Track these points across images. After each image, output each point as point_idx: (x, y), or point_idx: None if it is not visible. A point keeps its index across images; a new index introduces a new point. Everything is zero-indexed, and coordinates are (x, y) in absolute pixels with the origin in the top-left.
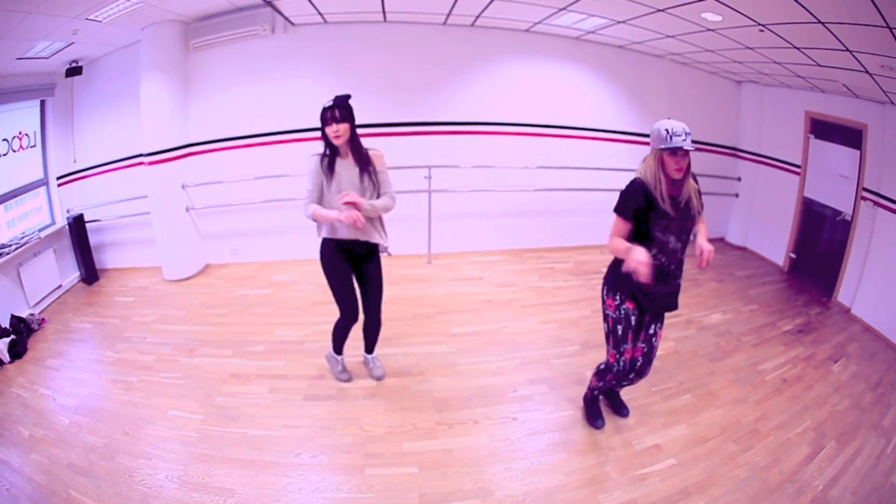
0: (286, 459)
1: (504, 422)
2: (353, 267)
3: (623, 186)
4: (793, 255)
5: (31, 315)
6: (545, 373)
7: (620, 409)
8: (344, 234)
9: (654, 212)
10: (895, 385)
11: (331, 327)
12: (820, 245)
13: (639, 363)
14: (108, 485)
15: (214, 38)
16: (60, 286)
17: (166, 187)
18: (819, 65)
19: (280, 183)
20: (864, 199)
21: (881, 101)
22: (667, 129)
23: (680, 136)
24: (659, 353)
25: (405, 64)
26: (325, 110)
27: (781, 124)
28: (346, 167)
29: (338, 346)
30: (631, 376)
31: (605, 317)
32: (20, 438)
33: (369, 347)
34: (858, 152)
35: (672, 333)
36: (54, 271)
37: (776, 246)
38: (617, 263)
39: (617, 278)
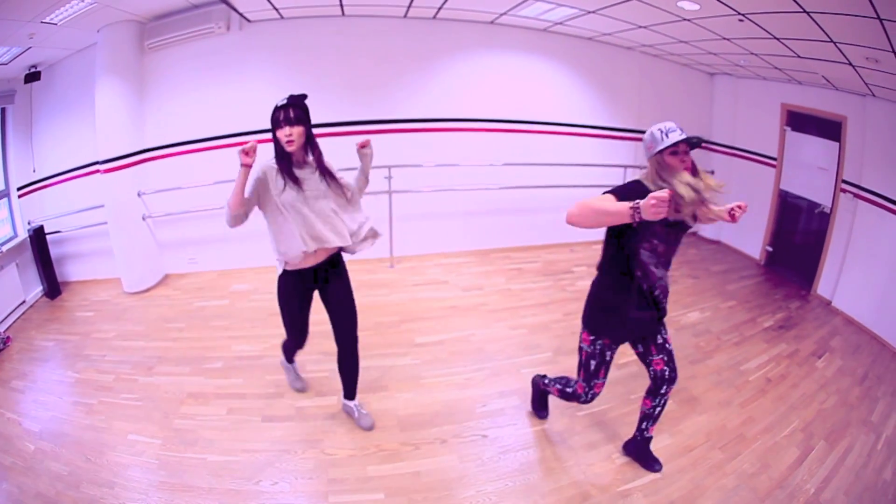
0: (246, 487)
1: (474, 440)
2: (312, 291)
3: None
4: (769, 249)
5: None
6: (516, 384)
7: (652, 465)
8: (311, 261)
9: (646, 227)
10: (882, 378)
11: None
12: (796, 237)
13: (667, 373)
14: None
15: (170, 38)
16: (24, 301)
17: (122, 196)
18: (799, 56)
19: None
20: (844, 191)
21: (862, 94)
22: (660, 129)
23: (675, 130)
24: (636, 357)
25: (364, 60)
26: (277, 110)
27: (756, 117)
28: (308, 176)
29: (288, 357)
30: (663, 390)
31: (580, 349)
32: None
33: (348, 392)
34: (837, 144)
35: None
36: (17, 287)
37: (752, 239)
38: (596, 300)
39: (594, 317)
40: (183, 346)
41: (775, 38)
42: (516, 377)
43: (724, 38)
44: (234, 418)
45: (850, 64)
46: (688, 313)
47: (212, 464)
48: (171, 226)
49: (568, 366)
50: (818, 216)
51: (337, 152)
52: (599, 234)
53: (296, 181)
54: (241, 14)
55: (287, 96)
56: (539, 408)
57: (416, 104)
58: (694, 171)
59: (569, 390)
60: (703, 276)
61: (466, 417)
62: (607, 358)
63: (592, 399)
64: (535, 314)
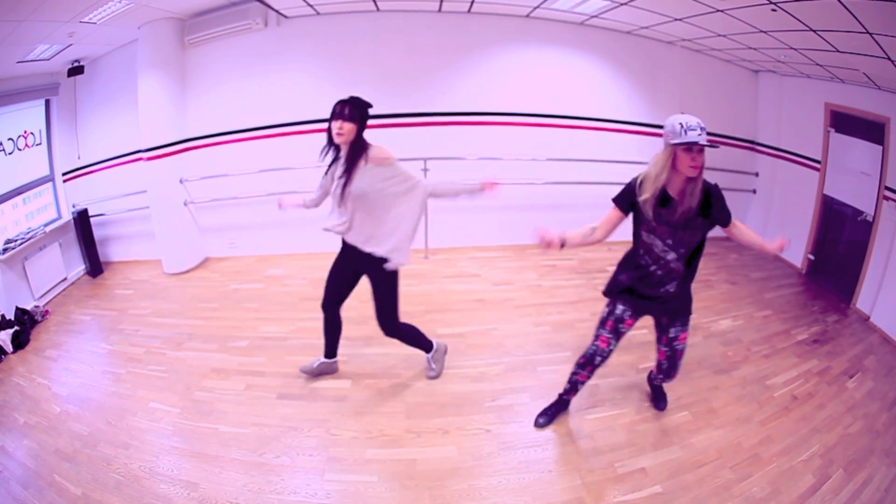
0: (250, 458)
1: (476, 434)
2: (355, 268)
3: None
4: (811, 257)
5: (36, 307)
6: (529, 381)
7: (659, 402)
8: (349, 238)
9: (641, 210)
10: None
11: (318, 324)
12: (840, 247)
13: (664, 366)
14: (88, 471)
15: (209, 34)
16: (66, 279)
17: (164, 182)
18: (838, 51)
19: (279, 176)
20: (887, 198)
21: None
22: (681, 124)
23: (695, 130)
24: None
25: (399, 54)
26: (337, 103)
27: (800, 117)
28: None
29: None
30: (660, 377)
31: None
32: (16, 424)
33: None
34: (881, 148)
35: None
36: (59, 264)
37: (794, 246)
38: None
39: (609, 283)
40: (213, 324)
41: (811, 29)
42: (531, 374)
43: (761, 31)
44: (250, 394)
45: (889, 58)
46: (720, 320)
47: (222, 434)
48: (213, 212)
49: None
50: (862, 224)
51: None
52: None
53: (333, 164)
54: (276, 11)
55: (351, 95)
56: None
57: (452, 98)
58: (701, 174)
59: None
60: (741, 282)
61: (473, 411)
62: (616, 311)
63: (594, 354)
64: (562, 312)
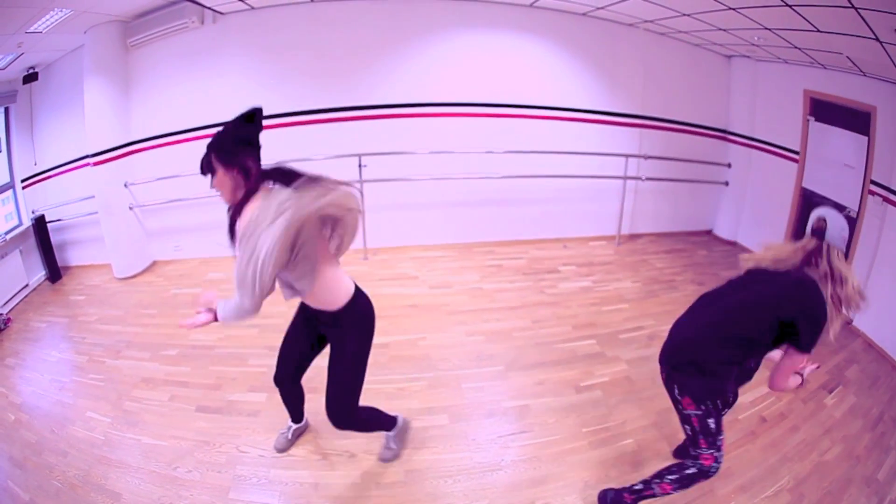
0: (165, 471)
1: None
2: (316, 330)
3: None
4: None
5: None
6: (451, 400)
7: None
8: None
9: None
10: None
11: (244, 331)
12: None
13: None
14: (34, 478)
15: (149, 35)
16: (27, 285)
17: (111, 187)
18: (819, 30)
19: None
20: (873, 193)
21: (892, 81)
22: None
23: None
24: (605, 380)
25: (337, 45)
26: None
27: (777, 105)
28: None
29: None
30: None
31: (685, 417)
32: None
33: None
34: (866, 139)
35: (627, 353)
36: (21, 271)
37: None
38: (712, 374)
39: (711, 391)
40: (151, 332)
41: (786, 4)
42: (454, 392)
43: (729, 8)
44: (173, 405)
45: (877, 39)
46: None
47: (144, 445)
48: (159, 214)
49: (516, 383)
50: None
51: (310, 141)
52: (596, 230)
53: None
54: (210, 8)
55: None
56: None
57: (391, 89)
58: None
59: (691, 471)
60: (709, 282)
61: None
62: (722, 410)
63: (721, 462)
64: (500, 319)
